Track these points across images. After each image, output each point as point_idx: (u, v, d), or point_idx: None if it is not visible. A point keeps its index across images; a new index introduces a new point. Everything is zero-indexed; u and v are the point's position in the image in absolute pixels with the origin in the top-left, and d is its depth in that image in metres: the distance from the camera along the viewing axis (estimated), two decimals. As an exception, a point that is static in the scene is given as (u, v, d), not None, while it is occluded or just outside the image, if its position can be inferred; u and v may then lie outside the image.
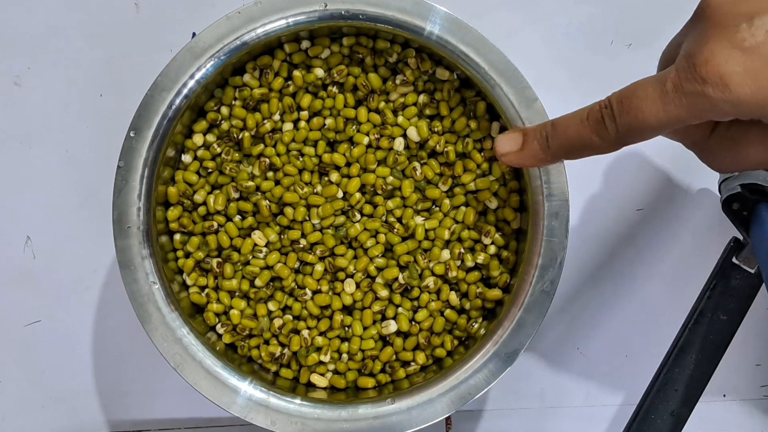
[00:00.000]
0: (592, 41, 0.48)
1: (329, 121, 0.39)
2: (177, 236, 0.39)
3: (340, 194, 0.39)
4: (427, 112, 0.39)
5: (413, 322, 0.39)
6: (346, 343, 0.39)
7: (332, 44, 0.39)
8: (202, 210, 0.39)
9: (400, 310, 0.39)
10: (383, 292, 0.39)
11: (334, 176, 0.39)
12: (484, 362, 0.36)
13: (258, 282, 0.38)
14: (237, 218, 0.39)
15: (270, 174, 0.39)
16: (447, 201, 0.39)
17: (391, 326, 0.39)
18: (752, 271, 0.41)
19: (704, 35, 0.25)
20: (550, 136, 0.31)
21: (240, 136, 0.39)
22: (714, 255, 0.43)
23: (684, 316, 0.42)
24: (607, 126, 0.28)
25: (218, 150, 0.39)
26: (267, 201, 0.38)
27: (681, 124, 0.27)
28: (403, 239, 0.39)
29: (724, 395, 0.48)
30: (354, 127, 0.39)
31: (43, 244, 0.48)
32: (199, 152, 0.39)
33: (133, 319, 0.36)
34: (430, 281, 0.38)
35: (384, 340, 0.39)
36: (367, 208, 0.39)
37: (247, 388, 0.36)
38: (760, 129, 0.27)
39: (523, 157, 0.33)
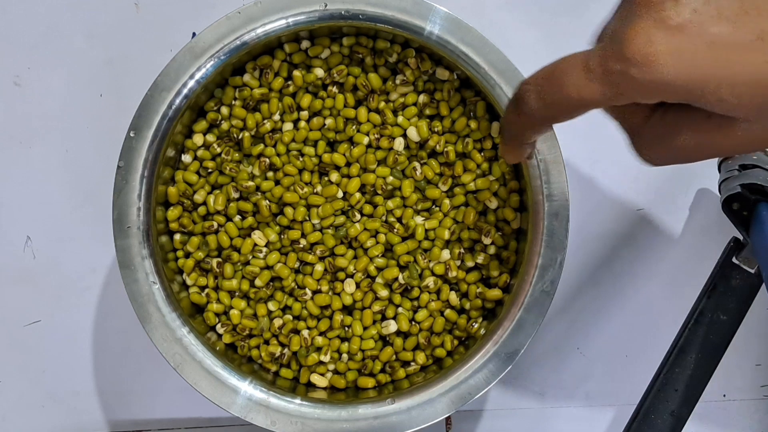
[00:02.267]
0: (593, 41, 0.48)
1: (329, 121, 0.39)
2: (177, 236, 0.39)
3: (340, 194, 0.39)
4: (427, 112, 0.39)
5: (413, 322, 0.39)
6: (346, 343, 0.39)
7: (332, 44, 0.39)
8: (202, 210, 0.39)
9: (400, 310, 0.39)
10: (383, 292, 0.39)
11: (334, 176, 0.39)
12: (484, 362, 0.36)
13: (258, 282, 0.38)
14: (237, 218, 0.39)
15: (270, 174, 0.39)
16: (447, 201, 0.39)
17: (391, 326, 0.39)
18: (752, 271, 0.41)
19: (630, 13, 0.24)
20: (503, 127, 0.31)
21: (240, 136, 0.39)
22: (714, 255, 0.43)
23: (684, 316, 0.42)
24: (530, 102, 0.28)
25: (218, 150, 0.39)
26: (267, 201, 0.38)
27: (606, 103, 0.25)
28: (403, 239, 0.39)
29: (724, 395, 0.48)
30: (354, 127, 0.39)
31: (43, 244, 0.48)
32: (199, 152, 0.39)
33: (133, 319, 0.36)
34: (430, 281, 0.38)
35: (384, 340, 0.39)
36: (367, 208, 0.39)
37: (247, 388, 0.36)
38: (691, 114, 0.26)
39: (501, 152, 0.35)
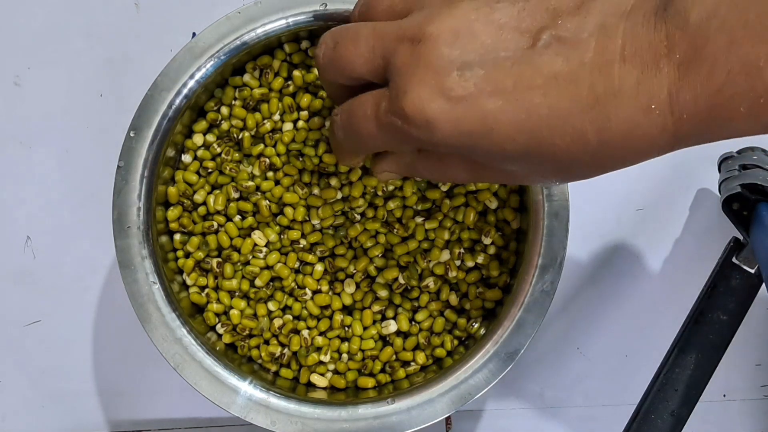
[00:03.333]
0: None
1: (329, 121, 0.39)
2: (177, 236, 0.39)
3: (339, 195, 0.39)
4: (427, 112, 0.39)
5: (413, 322, 0.39)
6: (346, 343, 0.39)
7: (332, 44, 0.39)
8: (202, 210, 0.39)
9: (400, 310, 0.39)
10: (383, 293, 0.39)
11: (334, 182, 0.38)
12: (484, 362, 0.36)
13: (258, 282, 0.38)
14: (237, 218, 0.39)
15: (270, 174, 0.39)
16: (447, 201, 0.39)
17: (391, 326, 0.39)
18: (752, 271, 0.41)
19: (416, 72, 0.25)
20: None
21: (240, 136, 0.39)
22: (714, 255, 0.43)
23: (684, 316, 0.42)
24: (337, 135, 0.30)
25: (218, 150, 0.39)
26: (267, 201, 0.38)
27: (395, 148, 0.29)
28: (403, 240, 0.39)
29: (724, 395, 0.48)
30: (354, 127, 0.39)
31: (43, 244, 0.48)
32: (199, 152, 0.39)
33: (133, 319, 0.36)
34: (430, 281, 0.38)
35: (384, 340, 0.39)
36: (368, 210, 0.39)
37: (247, 388, 0.36)
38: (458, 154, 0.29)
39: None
